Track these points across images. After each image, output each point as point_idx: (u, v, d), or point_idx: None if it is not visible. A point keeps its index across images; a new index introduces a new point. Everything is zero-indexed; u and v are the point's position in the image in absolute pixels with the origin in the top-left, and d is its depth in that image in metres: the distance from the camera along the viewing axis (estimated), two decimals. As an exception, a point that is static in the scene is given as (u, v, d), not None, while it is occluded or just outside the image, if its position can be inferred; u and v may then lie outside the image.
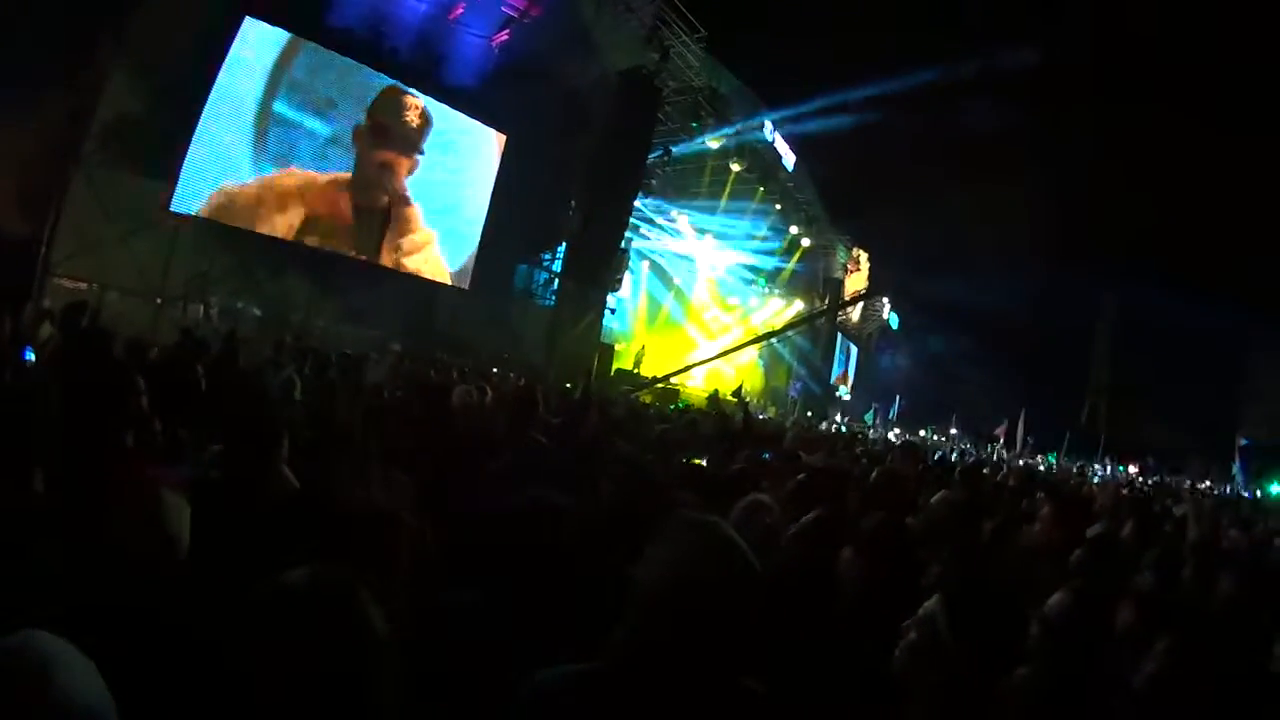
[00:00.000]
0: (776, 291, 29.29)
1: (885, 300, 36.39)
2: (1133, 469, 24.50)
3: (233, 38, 12.94)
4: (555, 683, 1.45)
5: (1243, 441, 27.47)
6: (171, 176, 12.76)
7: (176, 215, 12.91)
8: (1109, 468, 23.04)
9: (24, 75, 8.87)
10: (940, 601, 1.76)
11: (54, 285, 11.24)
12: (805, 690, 1.97)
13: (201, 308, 12.52)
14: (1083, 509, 5.11)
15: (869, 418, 30.05)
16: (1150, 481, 20.25)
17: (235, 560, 1.99)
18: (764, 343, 28.76)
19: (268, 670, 1.19)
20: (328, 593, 1.26)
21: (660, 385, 18.17)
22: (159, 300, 13.11)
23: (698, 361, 22.09)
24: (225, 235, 13.74)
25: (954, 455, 17.57)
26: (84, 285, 11.80)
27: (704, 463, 4.91)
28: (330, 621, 1.23)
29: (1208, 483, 22.19)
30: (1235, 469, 25.22)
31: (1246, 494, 20.30)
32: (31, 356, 5.33)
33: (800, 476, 4.15)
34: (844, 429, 20.52)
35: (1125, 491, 10.93)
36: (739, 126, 21.14)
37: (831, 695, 2.16)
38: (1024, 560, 3.80)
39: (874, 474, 4.88)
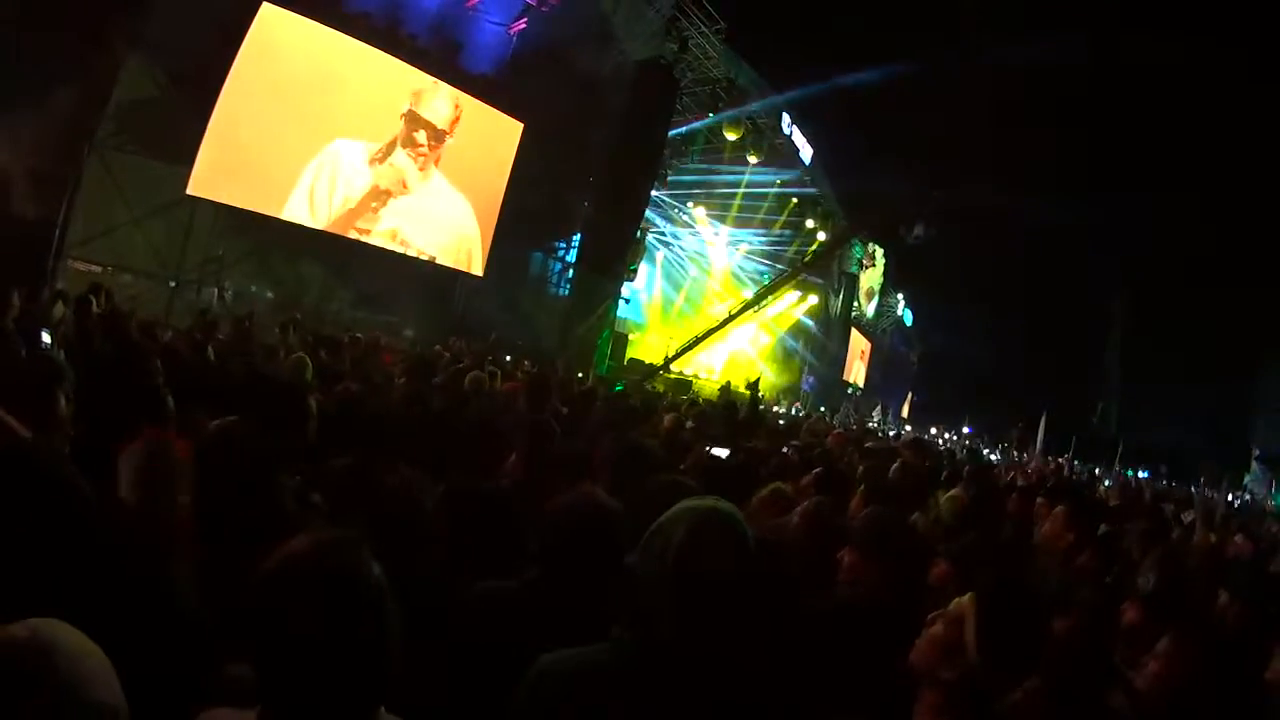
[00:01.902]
0: (791, 284, 29.08)
1: (900, 297, 36.22)
2: (1143, 474, 24.31)
3: (250, 21, 12.93)
4: (560, 665, 1.46)
5: (1256, 451, 27.23)
6: (188, 160, 12.76)
7: (193, 199, 12.91)
8: (1117, 470, 22.82)
9: (39, 58, 8.88)
10: (973, 601, 1.74)
11: (69, 268, 11.28)
12: (808, 676, 1.97)
13: (216, 291, 12.59)
14: (1096, 512, 5.08)
15: (875, 414, 29.91)
16: (1161, 485, 20.07)
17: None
18: (775, 338, 28.67)
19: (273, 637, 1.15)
20: (325, 559, 1.20)
21: (673, 375, 18.10)
22: (174, 283, 13.18)
23: (695, 338, 22.06)
24: (240, 219, 13.77)
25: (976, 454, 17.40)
26: (99, 268, 11.86)
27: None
28: (327, 587, 1.17)
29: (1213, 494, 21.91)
30: (1247, 479, 24.95)
31: (1244, 502, 20.00)
32: (47, 338, 5.39)
33: (817, 470, 4.16)
34: (852, 424, 20.37)
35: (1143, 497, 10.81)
36: (757, 119, 21.03)
37: (834, 681, 2.15)
38: (1033, 559, 3.79)
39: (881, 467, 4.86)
